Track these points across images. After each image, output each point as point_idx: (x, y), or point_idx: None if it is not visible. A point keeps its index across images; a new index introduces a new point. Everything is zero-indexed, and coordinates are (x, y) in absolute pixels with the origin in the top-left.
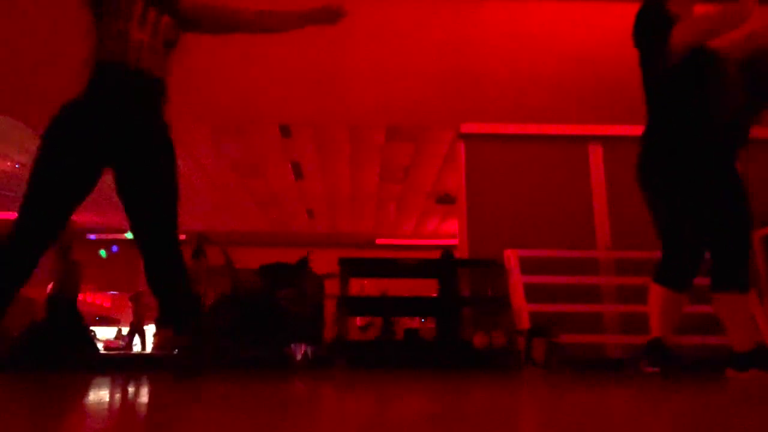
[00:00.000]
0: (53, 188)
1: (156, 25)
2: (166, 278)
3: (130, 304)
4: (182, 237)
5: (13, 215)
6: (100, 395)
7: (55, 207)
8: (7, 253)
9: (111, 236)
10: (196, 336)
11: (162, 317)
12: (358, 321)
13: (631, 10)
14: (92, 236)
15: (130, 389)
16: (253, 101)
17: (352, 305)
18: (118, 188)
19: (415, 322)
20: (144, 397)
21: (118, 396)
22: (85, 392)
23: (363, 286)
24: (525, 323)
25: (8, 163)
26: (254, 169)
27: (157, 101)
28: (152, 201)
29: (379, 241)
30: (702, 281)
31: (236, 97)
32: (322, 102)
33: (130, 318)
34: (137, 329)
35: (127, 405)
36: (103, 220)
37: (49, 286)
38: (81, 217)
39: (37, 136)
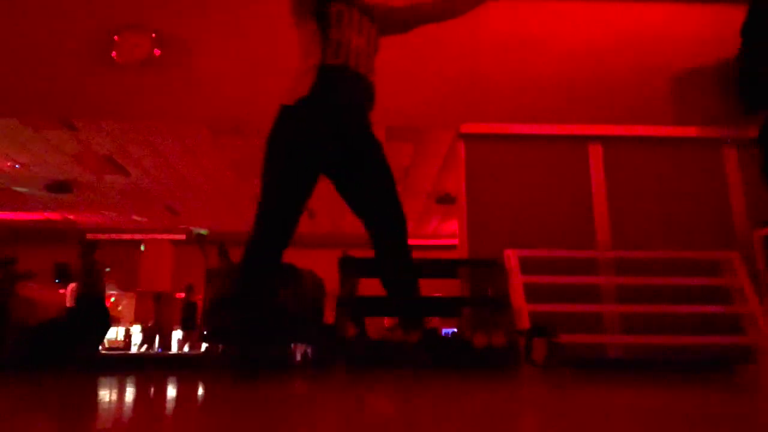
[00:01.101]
0: (293, 191)
1: (369, 33)
2: (401, 274)
3: (152, 304)
4: (182, 237)
5: (12, 215)
6: (109, 395)
7: (295, 210)
8: (255, 258)
9: (111, 236)
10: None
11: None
12: (386, 322)
13: (632, 10)
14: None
15: (131, 389)
16: (253, 101)
17: (352, 305)
18: (348, 187)
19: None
20: (145, 396)
21: (123, 395)
22: (88, 392)
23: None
24: (525, 323)
25: (8, 163)
26: (254, 169)
27: (372, 103)
28: (387, 196)
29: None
30: (701, 281)
31: (236, 97)
32: None
33: (146, 319)
34: (159, 330)
35: (128, 404)
36: (103, 220)
37: (71, 286)
38: (81, 217)
39: (37, 136)
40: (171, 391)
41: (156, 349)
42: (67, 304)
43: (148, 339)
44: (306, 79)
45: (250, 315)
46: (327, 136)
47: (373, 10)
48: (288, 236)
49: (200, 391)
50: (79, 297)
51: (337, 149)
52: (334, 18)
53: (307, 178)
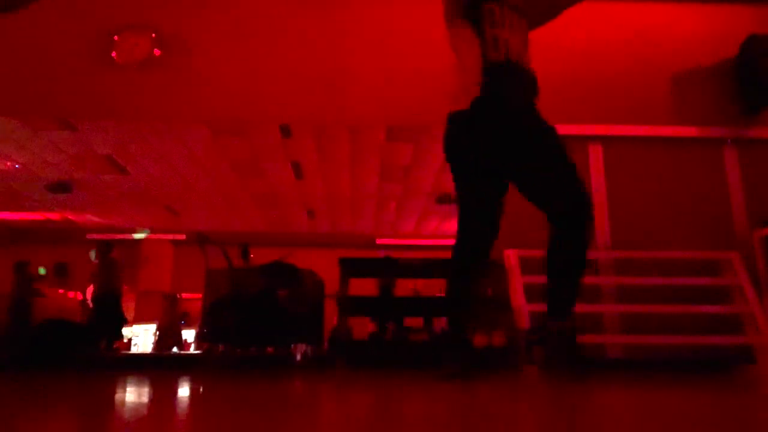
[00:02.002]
0: (488, 197)
1: (521, 28)
2: (575, 265)
3: (164, 304)
4: (182, 237)
5: (12, 215)
6: (109, 395)
7: (491, 211)
8: (461, 265)
9: (111, 236)
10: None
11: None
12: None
13: (632, 10)
14: (92, 236)
15: (133, 389)
16: (253, 101)
17: (352, 305)
18: (527, 181)
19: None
20: (145, 396)
21: (122, 396)
22: (90, 392)
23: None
24: (525, 323)
25: (8, 163)
26: (254, 169)
27: (537, 96)
28: (565, 183)
29: (379, 241)
30: (701, 281)
31: (236, 97)
32: (322, 102)
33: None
34: (170, 331)
35: (129, 404)
36: (103, 220)
37: (90, 287)
38: (81, 217)
39: (37, 136)
40: (170, 391)
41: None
42: (90, 305)
43: (164, 339)
44: (472, 79)
45: (457, 321)
46: (507, 134)
47: (520, 3)
48: (491, 239)
49: (200, 391)
50: (97, 297)
51: (515, 147)
52: (487, 16)
53: (497, 179)
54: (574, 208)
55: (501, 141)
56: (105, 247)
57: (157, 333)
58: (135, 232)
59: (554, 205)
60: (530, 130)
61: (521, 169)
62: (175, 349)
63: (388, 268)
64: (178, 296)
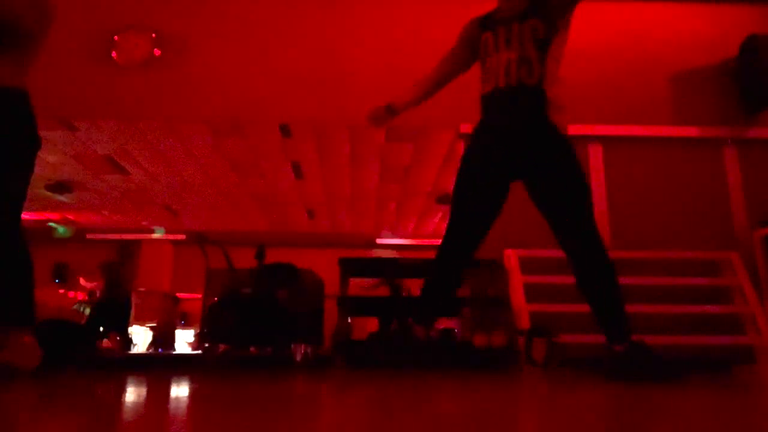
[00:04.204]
0: (472, 208)
1: (523, 36)
2: (599, 283)
3: (162, 304)
4: (182, 237)
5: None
6: (109, 395)
7: (474, 224)
8: (435, 267)
9: (111, 236)
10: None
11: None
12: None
13: (632, 10)
14: (92, 236)
15: (132, 389)
16: (253, 101)
17: (352, 305)
18: (542, 207)
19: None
20: (144, 396)
21: (123, 396)
22: (94, 392)
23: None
24: (525, 323)
25: None
26: (254, 169)
27: (537, 105)
28: (571, 219)
29: (379, 241)
30: (701, 281)
31: (236, 97)
32: (322, 102)
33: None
34: (166, 332)
35: (128, 404)
36: (103, 220)
37: (94, 285)
38: (81, 217)
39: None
40: (170, 391)
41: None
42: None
43: (158, 341)
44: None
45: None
46: (508, 157)
47: (533, 3)
48: (466, 250)
49: (200, 391)
50: (98, 304)
51: (512, 167)
52: (482, 48)
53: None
54: (590, 255)
55: (503, 163)
56: (125, 249)
57: (153, 333)
58: (153, 232)
59: (569, 245)
60: (534, 153)
61: (536, 192)
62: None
63: (387, 268)
64: (175, 296)
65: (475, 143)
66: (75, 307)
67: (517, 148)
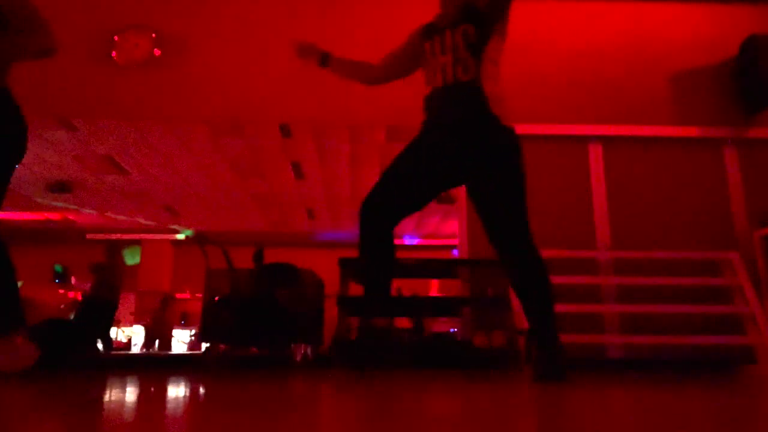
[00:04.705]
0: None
1: (455, 41)
2: (531, 284)
3: (155, 303)
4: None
5: (12, 215)
6: (109, 395)
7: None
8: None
9: (111, 236)
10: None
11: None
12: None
13: (632, 10)
14: (92, 236)
15: (131, 389)
16: (253, 101)
17: (352, 305)
18: (478, 207)
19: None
20: (142, 397)
21: (120, 396)
22: (89, 392)
23: (399, 289)
24: (525, 323)
25: None
26: (254, 169)
27: (477, 98)
28: (503, 223)
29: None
30: (701, 281)
31: (236, 97)
32: (322, 102)
33: (147, 320)
34: (158, 332)
35: (127, 404)
36: (103, 220)
37: (87, 285)
38: (81, 217)
39: (37, 136)
40: (169, 392)
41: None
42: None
43: (150, 340)
44: None
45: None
46: (446, 153)
47: (463, 11)
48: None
49: (200, 391)
50: (86, 302)
51: (456, 164)
52: (423, 56)
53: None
54: (522, 256)
55: (450, 157)
56: (114, 248)
57: (145, 333)
58: (126, 252)
59: (500, 245)
60: (477, 147)
61: (475, 191)
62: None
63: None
64: (171, 296)
65: (426, 134)
66: (63, 307)
67: (463, 141)
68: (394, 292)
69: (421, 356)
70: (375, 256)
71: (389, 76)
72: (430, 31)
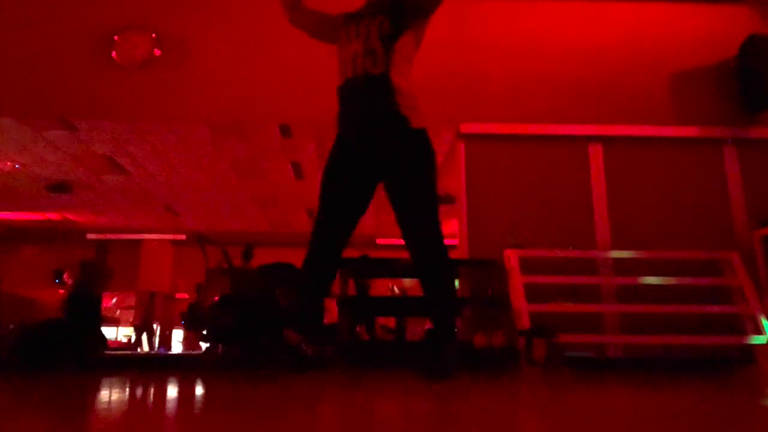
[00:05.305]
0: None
1: (369, 31)
2: (433, 281)
3: (142, 302)
4: (182, 237)
5: (12, 215)
6: (110, 395)
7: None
8: (305, 271)
9: (110, 236)
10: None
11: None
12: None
13: (632, 10)
14: (92, 236)
15: (132, 389)
16: (253, 101)
17: (351, 305)
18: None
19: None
20: (142, 397)
21: (122, 396)
22: (89, 392)
23: (393, 288)
24: (525, 323)
25: (8, 163)
26: (254, 169)
27: (386, 93)
28: (409, 218)
29: (379, 241)
30: (701, 281)
31: (236, 97)
32: (322, 102)
33: (133, 317)
34: (145, 328)
35: (129, 404)
36: (103, 220)
37: (70, 282)
38: (81, 217)
39: (37, 136)
40: (169, 392)
41: (158, 349)
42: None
43: (139, 338)
44: None
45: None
46: (359, 147)
47: (391, 2)
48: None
49: (199, 391)
50: (69, 296)
51: (370, 165)
52: (339, 41)
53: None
54: (426, 255)
55: (362, 162)
56: (101, 246)
57: (135, 332)
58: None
59: (408, 242)
60: (386, 147)
61: (388, 188)
62: (146, 347)
63: (388, 268)
64: (158, 293)
65: (338, 144)
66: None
67: (371, 144)
68: (388, 292)
69: (401, 358)
70: (316, 280)
71: (303, 23)
72: (351, 17)
